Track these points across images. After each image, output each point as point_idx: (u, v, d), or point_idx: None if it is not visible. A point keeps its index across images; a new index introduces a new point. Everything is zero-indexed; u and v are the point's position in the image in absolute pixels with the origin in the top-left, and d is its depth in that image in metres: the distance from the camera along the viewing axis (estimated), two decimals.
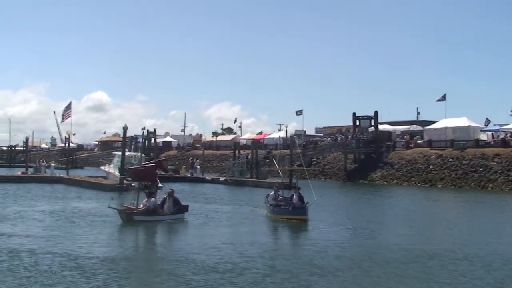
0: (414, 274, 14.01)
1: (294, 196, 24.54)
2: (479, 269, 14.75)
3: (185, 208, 24.63)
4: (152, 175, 25.25)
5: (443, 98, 65.56)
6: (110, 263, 14.48)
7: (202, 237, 19.95)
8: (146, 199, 23.80)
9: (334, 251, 16.93)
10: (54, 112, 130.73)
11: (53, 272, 13.27)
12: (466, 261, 15.76)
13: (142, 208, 23.60)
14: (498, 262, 15.66)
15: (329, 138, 70.76)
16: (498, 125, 60.07)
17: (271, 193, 25.96)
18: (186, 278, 13.10)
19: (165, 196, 24.34)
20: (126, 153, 44.67)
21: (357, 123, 65.13)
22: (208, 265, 14.51)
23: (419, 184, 50.34)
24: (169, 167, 46.15)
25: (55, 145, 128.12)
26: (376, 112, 63.59)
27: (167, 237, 21.01)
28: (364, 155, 60.43)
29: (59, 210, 26.70)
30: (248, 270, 14.03)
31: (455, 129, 55.67)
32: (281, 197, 25.75)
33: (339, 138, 66.78)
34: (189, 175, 56.77)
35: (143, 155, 44.86)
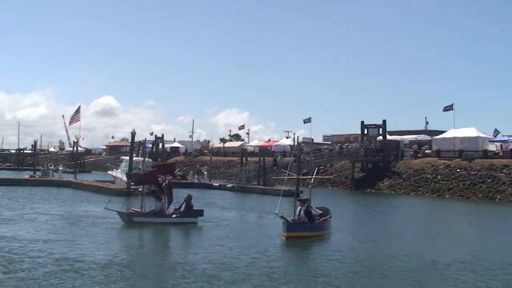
0: (409, 281, 14.19)
1: (301, 210, 21.67)
2: (483, 278, 14.82)
3: (198, 213, 24.83)
4: (155, 179, 25.48)
5: (450, 107, 65.29)
6: (100, 266, 14.66)
7: (200, 240, 20.48)
8: (156, 203, 24.47)
9: (335, 257, 17.23)
10: (63, 116, 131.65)
11: (50, 275, 13.40)
12: (470, 272, 15.77)
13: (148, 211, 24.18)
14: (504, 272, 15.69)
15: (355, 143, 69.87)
16: (507, 136, 59.78)
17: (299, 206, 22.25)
18: (172, 282, 13.40)
19: (183, 201, 24.77)
20: (134, 158, 44.73)
21: (365, 131, 64.88)
22: (195, 269, 14.78)
23: (427, 194, 50.03)
24: (177, 172, 45.99)
25: (63, 149, 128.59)
26: (384, 121, 63.37)
27: (166, 241, 21.34)
28: (372, 164, 60.20)
29: (63, 214, 26.83)
30: (234, 271, 14.50)
31: (464, 139, 55.37)
32: (314, 211, 22.65)
33: (345, 146, 66.45)
34: (196, 181, 56.77)
35: (150, 160, 44.98)
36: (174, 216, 24.15)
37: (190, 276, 13.87)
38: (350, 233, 23.25)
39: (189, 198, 24.85)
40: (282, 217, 20.64)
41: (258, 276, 14.16)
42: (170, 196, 24.92)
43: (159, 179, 25.70)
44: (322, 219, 22.85)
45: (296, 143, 68.54)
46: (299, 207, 21.94)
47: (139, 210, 24.69)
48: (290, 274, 14.76)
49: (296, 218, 21.55)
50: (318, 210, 23.29)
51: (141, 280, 13.51)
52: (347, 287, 13.43)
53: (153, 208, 24.38)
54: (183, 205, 24.59)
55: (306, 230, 21.05)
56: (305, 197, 23.27)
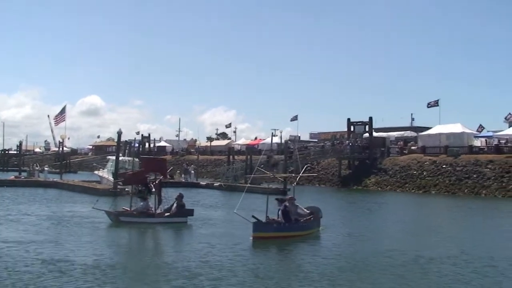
0: (390, 276, 14.37)
1: (279, 211, 20.77)
2: (464, 272, 15.05)
3: (188, 212, 24.68)
4: (144, 179, 25.43)
5: (435, 103, 65.73)
6: (84, 266, 14.58)
7: (185, 239, 20.72)
8: (141, 203, 24.43)
9: (319, 254, 17.41)
10: (48, 116, 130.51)
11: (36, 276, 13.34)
12: (451, 265, 16.03)
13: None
14: (487, 266, 15.91)
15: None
16: (492, 131, 60.30)
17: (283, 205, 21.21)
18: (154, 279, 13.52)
19: (174, 200, 24.65)
20: (120, 158, 44.55)
21: (352, 129, 65.18)
22: (178, 267, 14.86)
23: (413, 191, 50.35)
24: (169, 171, 45.72)
25: (49, 149, 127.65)
26: (370, 118, 63.75)
27: (151, 241, 21.37)
28: (358, 161, 60.46)
29: (49, 214, 26.66)
30: (218, 269, 14.56)
31: (449, 135, 55.87)
32: (301, 211, 21.85)
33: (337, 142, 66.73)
34: (184, 180, 56.65)
35: (137, 160, 44.79)
36: (166, 215, 24.01)
37: (173, 274, 13.95)
38: (335, 230, 23.14)
39: (180, 197, 24.65)
40: (253, 216, 19.80)
41: (242, 273, 14.25)
42: (160, 196, 24.82)
43: (150, 177, 25.67)
44: (305, 218, 21.69)
45: (272, 142, 69.06)
46: (279, 207, 20.86)
47: (128, 209, 24.67)
48: (273, 270, 14.84)
49: (268, 218, 20.40)
50: (305, 210, 22.26)
51: (124, 279, 13.50)
52: (330, 283, 13.53)
53: (138, 207, 24.30)
54: (174, 204, 24.41)
55: (277, 231, 19.95)
56: (289, 196, 22.48)
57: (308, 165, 62.76)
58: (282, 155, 56.33)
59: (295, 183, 25.63)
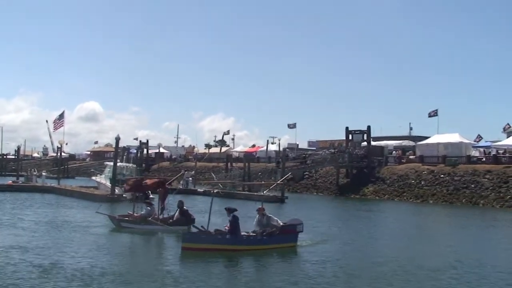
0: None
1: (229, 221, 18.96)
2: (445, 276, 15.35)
3: (190, 221, 23.99)
4: (146, 187, 26.12)
5: (435, 113, 65.82)
6: (79, 272, 14.49)
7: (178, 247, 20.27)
8: (148, 207, 24.61)
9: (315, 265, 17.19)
10: (47, 121, 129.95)
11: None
12: (433, 271, 16.20)
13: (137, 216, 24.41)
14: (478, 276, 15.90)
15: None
16: (490, 141, 60.40)
17: (256, 217, 19.97)
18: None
19: (177, 208, 24.51)
20: (118, 164, 44.50)
21: (350, 137, 65.22)
22: (165, 271, 15.14)
23: (411, 200, 50.30)
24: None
25: (47, 154, 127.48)
26: (368, 127, 63.79)
27: (146, 248, 21.26)
28: (356, 170, 60.47)
29: (46, 220, 26.56)
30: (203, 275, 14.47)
31: (447, 145, 55.83)
32: (275, 223, 19.73)
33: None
34: (181, 187, 56.52)
35: (134, 165, 44.85)
36: (169, 221, 23.84)
37: (160, 280, 14.06)
38: (324, 238, 22.75)
39: (181, 204, 24.48)
40: (193, 226, 18.95)
41: (228, 277, 14.69)
42: (163, 203, 24.76)
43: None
44: (268, 231, 19.26)
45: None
46: (228, 217, 19.11)
47: (132, 213, 24.79)
48: (262, 275, 15.12)
49: (202, 227, 18.73)
50: (280, 222, 19.86)
51: (110, 285, 13.43)
52: None
53: (143, 212, 24.31)
54: (177, 212, 24.17)
55: (214, 243, 18.06)
56: (259, 207, 20.16)
57: (306, 173, 63.12)
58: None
59: (265, 191, 25.36)
